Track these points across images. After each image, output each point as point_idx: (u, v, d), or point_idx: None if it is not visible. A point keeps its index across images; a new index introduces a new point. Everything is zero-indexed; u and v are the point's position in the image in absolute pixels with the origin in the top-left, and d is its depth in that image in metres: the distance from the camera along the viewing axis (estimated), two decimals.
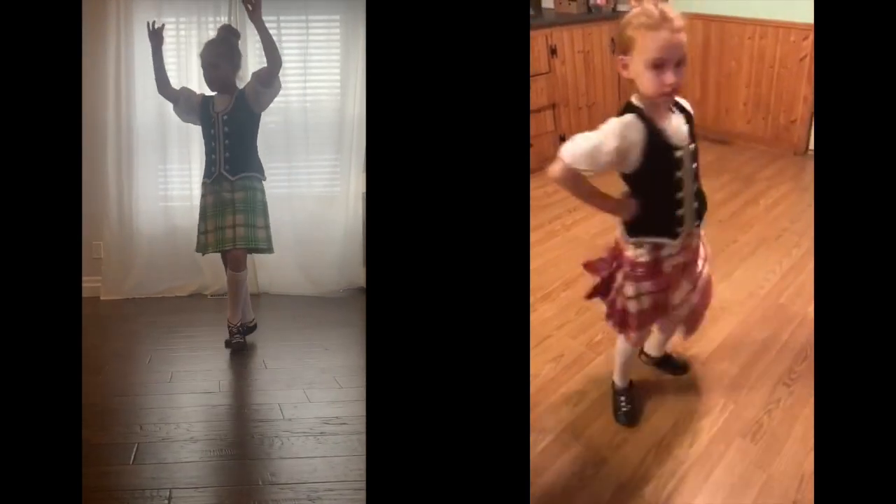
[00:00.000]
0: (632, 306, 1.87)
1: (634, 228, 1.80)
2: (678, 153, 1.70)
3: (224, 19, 3.74)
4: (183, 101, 3.01)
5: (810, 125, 4.36)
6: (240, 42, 3.07)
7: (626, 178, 1.74)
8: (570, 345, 2.48)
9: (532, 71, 4.08)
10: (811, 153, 4.32)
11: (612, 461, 1.92)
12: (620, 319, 1.92)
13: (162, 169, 4.00)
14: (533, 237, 3.34)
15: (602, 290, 1.93)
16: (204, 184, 2.98)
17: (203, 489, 1.83)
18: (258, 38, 2.89)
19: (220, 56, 2.90)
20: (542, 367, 2.35)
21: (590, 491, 1.82)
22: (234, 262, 2.95)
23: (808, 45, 4.18)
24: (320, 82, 4.06)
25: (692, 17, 4.59)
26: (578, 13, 4.45)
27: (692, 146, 1.74)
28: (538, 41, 4.13)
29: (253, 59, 3.72)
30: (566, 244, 3.32)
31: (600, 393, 2.20)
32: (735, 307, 2.68)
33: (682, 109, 1.77)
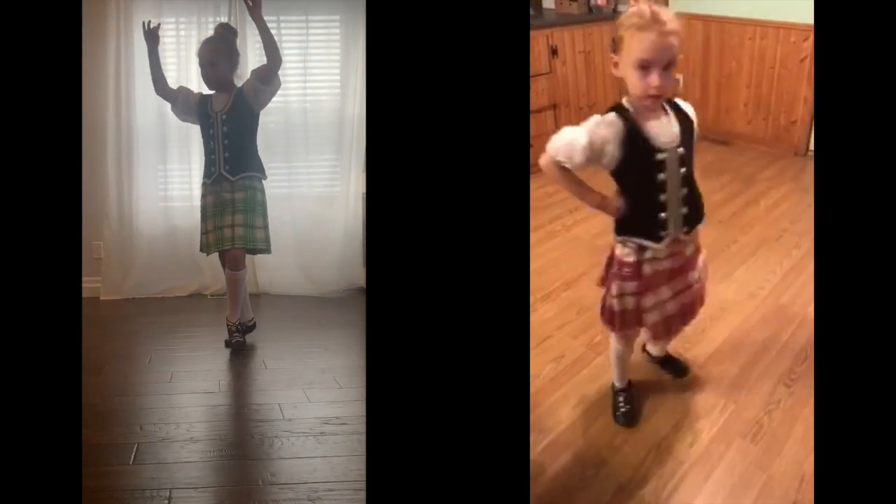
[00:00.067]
0: (615, 305, 1.87)
1: (621, 227, 1.81)
2: (661, 155, 1.70)
3: (224, 19, 3.74)
4: (181, 101, 3.01)
5: (811, 126, 4.36)
6: (238, 40, 3.07)
7: (612, 175, 1.76)
8: (570, 345, 2.48)
9: (533, 71, 4.08)
10: (811, 154, 4.32)
11: (613, 462, 1.92)
12: (608, 317, 1.93)
13: (162, 169, 4.00)
14: (533, 237, 3.33)
15: (602, 284, 1.95)
16: (204, 184, 2.98)
17: (203, 489, 1.83)
18: (258, 37, 2.89)
19: (219, 54, 2.90)
20: (542, 367, 2.35)
21: (590, 491, 1.82)
22: (233, 262, 2.95)
23: (809, 45, 4.17)
24: (320, 82, 4.06)
25: (692, 18, 4.61)
26: (579, 13, 4.45)
27: (680, 149, 1.72)
28: (539, 41, 4.14)
29: (252, 59, 3.72)
30: (566, 245, 3.32)
31: (600, 393, 2.20)
32: (735, 308, 2.68)
33: (680, 112, 1.76)
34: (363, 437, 2.09)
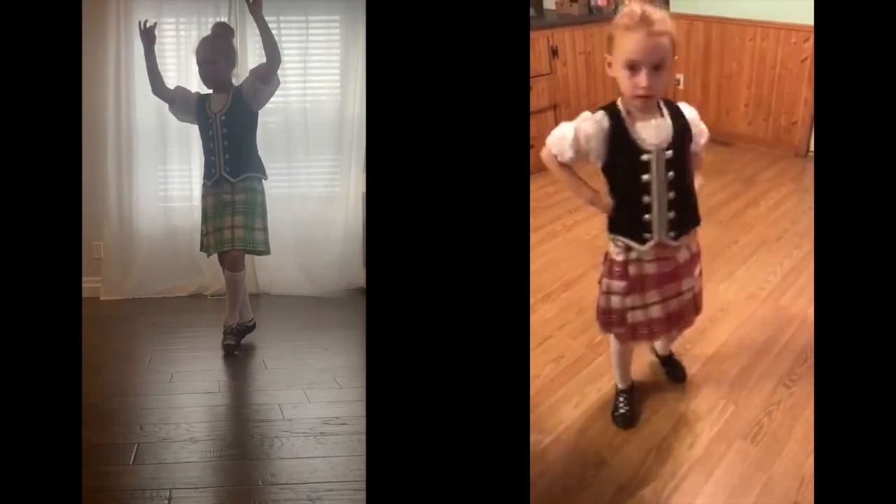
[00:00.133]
0: (602, 302, 1.88)
1: (611, 225, 1.82)
2: (645, 156, 1.70)
3: (224, 19, 3.74)
4: (179, 101, 3.00)
5: (811, 127, 4.36)
6: (236, 40, 3.06)
7: (602, 172, 1.77)
8: (570, 345, 2.48)
9: (533, 72, 4.08)
10: (812, 155, 4.31)
11: (613, 462, 1.92)
12: (597, 315, 1.93)
13: (162, 169, 4.01)
14: (533, 238, 3.33)
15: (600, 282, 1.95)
16: (204, 185, 2.97)
17: (203, 489, 1.83)
18: (257, 36, 2.88)
19: (217, 52, 2.89)
20: (542, 367, 2.35)
21: (590, 492, 1.82)
22: (232, 263, 2.94)
23: (809, 46, 4.17)
24: (320, 82, 4.06)
25: (693, 19, 4.61)
26: (580, 14, 4.45)
27: (668, 153, 1.70)
28: (539, 42, 4.13)
29: (251, 58, 3.72)
30: (567, 245, 3.31)
31: (600, 394, 2.20)
32: (736, 308, 2.68)
33: (678, 115, 1.74)
34: (363, 437, 2.09)
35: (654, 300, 1.85)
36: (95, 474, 1.86)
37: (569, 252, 3.22)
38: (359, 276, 4.04)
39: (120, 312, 3.75)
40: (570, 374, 2.32)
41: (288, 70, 3.70)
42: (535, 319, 2.64)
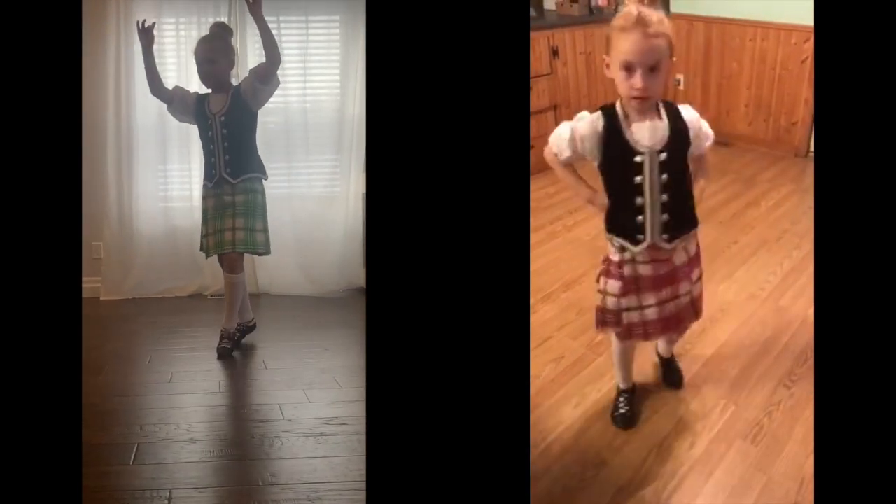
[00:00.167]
0: (598, 300, 1.88)
1: (608, 225, 1.82)
2: (638, 158, 1.70)
3: (224, 19, 3.74)
4: (177, 101, 2.98)
5: (811, 127, 4.36)
6: (234, 39, 3.05)
7: (599, 171, 1.78)
8: (570, 346, 2.48)
9: (534, 72, 4.08)
10: (812, 155, 4.31)
11: (613, 462, 1.92)
12: (595, 314, 1.93)
13: (162, 169, 4.01)
14: (534, 238, 3.33)
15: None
16: (205, 186, 2.96)
17: (203, 489, 1.83)
18: (257, 36, 2.88)
19: (216, 51, 2.88)
20: (542, 368, 2.35)
21: (590, 492, 1.82)
22: (230, 265, 2.94)
23: (810, 47, 4.17)
24: (320, 82, 4.06)
25: (693, 19, 4.61)
26: (580, 14, 4.45)
27: (663, 154, 1.69)
28: (540, 42, 4.13)
29: (251, 58, 3.72)
30: (567, 245, 3.31)
31: (601, 394, 2.20)
32: (736, 309, 2.68)
33: (677, 117, 1.73)
34: (363, 437, 2.09)
35: (649, 302, 1.84)
36: (95, 474, 1.86)
37: (569, 252, 3.22)
38: (359, 276, 4.04)
39: (120, 312, 3.75)
40: (570, 374, 2.32)
41: (288, 70, 3.70)
42: (535, 320, 2.64)
